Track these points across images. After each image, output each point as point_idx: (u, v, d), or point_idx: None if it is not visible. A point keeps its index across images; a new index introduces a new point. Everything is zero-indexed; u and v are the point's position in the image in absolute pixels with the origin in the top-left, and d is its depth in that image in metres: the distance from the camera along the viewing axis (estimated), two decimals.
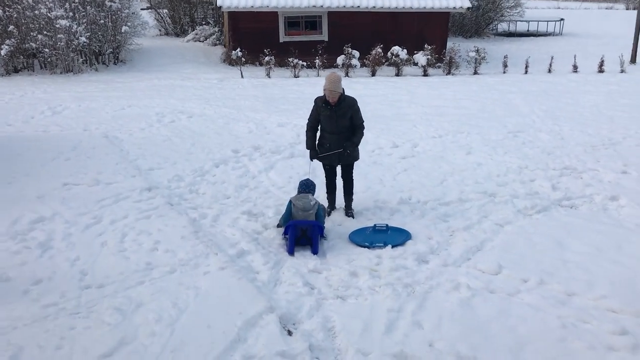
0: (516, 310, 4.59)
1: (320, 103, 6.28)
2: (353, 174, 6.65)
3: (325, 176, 6.73)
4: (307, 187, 6.10)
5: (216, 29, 24.24)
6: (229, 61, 19.31)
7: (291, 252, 5.62)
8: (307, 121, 6.49)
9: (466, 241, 5.89)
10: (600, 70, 18.57)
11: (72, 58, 17.38)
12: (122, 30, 18.87)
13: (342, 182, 6.64)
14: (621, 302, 4.65)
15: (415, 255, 5.55)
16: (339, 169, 6.69)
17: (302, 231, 5.70)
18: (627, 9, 54.93)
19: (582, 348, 4.11)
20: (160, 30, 26.35)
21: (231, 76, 17.47)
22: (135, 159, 8.74)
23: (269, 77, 17.39)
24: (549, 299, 4.75)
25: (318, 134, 6.48)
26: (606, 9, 57.73)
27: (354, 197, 6.71)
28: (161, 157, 8.80)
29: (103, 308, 4.61)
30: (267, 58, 17.49)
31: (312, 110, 6.38)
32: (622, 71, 18.60)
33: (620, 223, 6.37)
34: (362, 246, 5.79)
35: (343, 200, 6.72)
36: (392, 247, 5.73)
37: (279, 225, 6.17)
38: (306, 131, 6.46)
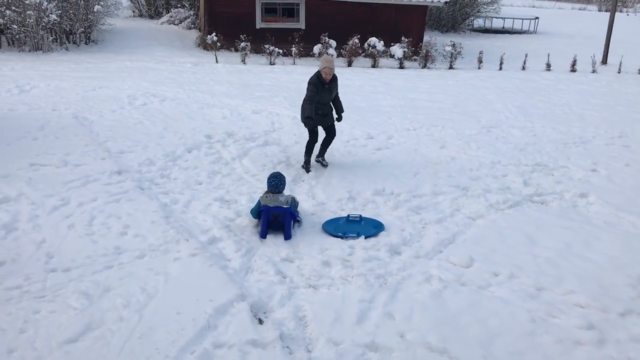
0: (486, 303, 4.62)
1: (319, 82, 7.45)
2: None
3: (311, 138, 7.80)
4: (276, 187, 5.87)
5: (191, 12, 23.88)
6: (204, 46, 19.05)
7: (263, 235, 5.68)
8: (307, 98, 7.46)
9: (438, 234, 5.92)
10: (573, 70, 18.85)
11: (42, 36, 16.91)
12: (95, 10, 18.45)
13: (326, 137, 8.00)
14: (588, 297, 4.73)
15: (388, 246, 5.55)
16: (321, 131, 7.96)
17: (274, 217, 5.72)
18: (599, 10, 55.91)
19: (550, 342, 4.17)
20: (134, 11, 25.86)
21: (206, 61, 17.23)
22: (105, 141, 8.55)
23: (245, 63, 17.20)
24: (519, 293, 4.80)
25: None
26: (579, 9, 58.67)
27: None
28: (132, 141, 8.62)
29: (69, 292, 4.49)
30: (242, 44, 17.30)
31: (313, 90, 7.43)
32: (593, 71, 18.91)
33: (589, 220, 6.48)
34: (335, 236, 5.77)
35: (320, 153, 8.00)
36: (365, 237, 5.72)
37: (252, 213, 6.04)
38: (309, 104, 7.41)
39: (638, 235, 6.10)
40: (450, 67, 18.66)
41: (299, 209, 6.27)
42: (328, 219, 6.19)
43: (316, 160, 8.03)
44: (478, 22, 31.63)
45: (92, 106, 10.62)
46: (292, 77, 15.31)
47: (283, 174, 6.13)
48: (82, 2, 18.04)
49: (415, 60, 19.10)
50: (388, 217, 6.34)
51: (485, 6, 30.21)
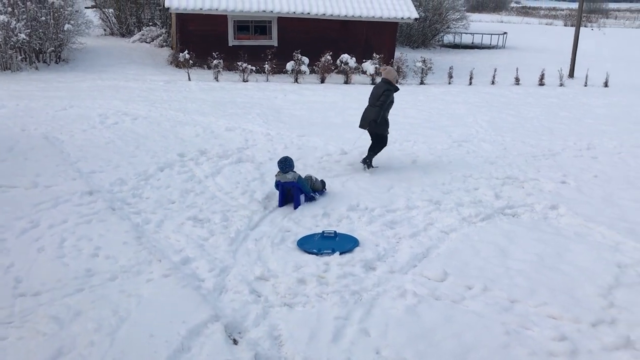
0: (461, 317, 4.65)
1: (393, 88, 8.52)
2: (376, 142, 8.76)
3: (385, 142, 8.86)
4: (282, 168, 7.10)
5: (163, 30, 23.81)
6: (176, 63, 18.99)
7: (280, 205, 7.07)
8: (385, 106, 8.39)
9: (412, 248, 5.95)
10: (541, 84, 19.26)
11: (10, 55, 16.67)
12: (65, 29, 18.26)
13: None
14: (560, 309, 4.79)
15: (363, 262, 5.56)
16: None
17: (287, 190, 7.04)
18: (565, 25, 57.30)
19: (525, 354, 4.20)
20: (105, 30, 25.66)
21: (178, 79, 17.17)
22: (76, 161, 8.43)
23: (217, 80, 17.18)
24: (493, 306, 4.84)
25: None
26: (546, 24, 60.04)
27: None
28: (103, 160, 8.53)
29: (38, 317, 4.39)
30: (215, 61, 17.30)
31: (389, 99, 8.40)
32: (561, 85, 19.35)
33: (560, 231, 6.58)
34: (310, 253, 5.76)
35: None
36: (340, 253, 5.72)
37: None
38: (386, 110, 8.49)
39: (607, 245, 6.21)
40: (421, 83, 18.90)
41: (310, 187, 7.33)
42: (303, 235, 6.18)
43: (364, 162, 8.66)
44: (448, 38, 32.16)
45: (63, 126, 10.48)
46: (265, 93, 15.35)
47: (290, 157, 7.32)
48: (51, 21, 17.86)
49: None
50: (363, 232, 6.36)
51: (454, 22, 30.76)
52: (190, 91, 15.20)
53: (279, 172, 7.15)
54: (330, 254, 5.69)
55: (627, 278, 5.42)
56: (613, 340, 4.34)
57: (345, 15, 19.72)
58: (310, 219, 6.69)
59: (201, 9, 18.50)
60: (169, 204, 6.97)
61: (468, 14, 34.89)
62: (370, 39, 20.36)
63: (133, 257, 5.48)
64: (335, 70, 18.41)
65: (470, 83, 18.93)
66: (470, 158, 9.59)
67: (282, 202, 7.09)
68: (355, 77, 18.66)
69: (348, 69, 18.23)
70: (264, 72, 18.03)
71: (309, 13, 19.39)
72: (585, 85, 19.50)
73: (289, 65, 18.03)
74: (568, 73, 21.43)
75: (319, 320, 4.52)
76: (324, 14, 19.51)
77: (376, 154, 8.76)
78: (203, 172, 8.20)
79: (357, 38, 20.27)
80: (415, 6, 21.80)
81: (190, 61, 17.64)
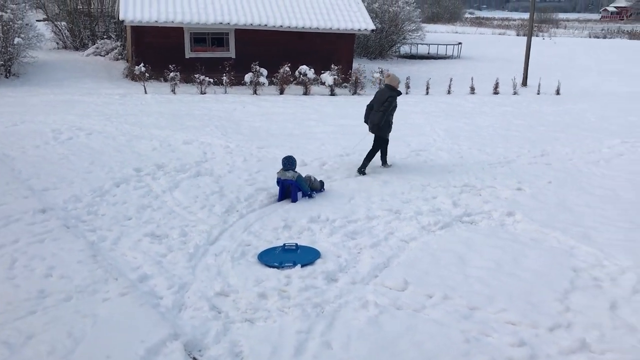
0: (422, 326, 4.67)
1: (397, 94, 9.21)
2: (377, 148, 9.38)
3: (387, 145, 9.58)
4: (285, 166, 7.82)
5: (118, 43, 23.45)
6: (132, 77, 18.71)
7: (279, 199, 7.74)
8: (389, 111, 9.09)
9: (373, 258, 5.96)
10: (496, 92, 19.70)
11: None
12: (15, 42, 17.79)
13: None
14: (519, 315, 4.86)
15: (325, 274, 5.54)
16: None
17: (286, 186, 7.72)
18: (517, 35, 58.91)
19: None
20: (58, 43, 25.10)
21: (134, 92, 16.90)
22: (28, 178, 8.17)
23: (174, 93, 16.99)
24: (453, 314, 4.88)
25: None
26: (499, 34, 61.60)
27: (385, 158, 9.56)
28: (57, 177, 8.29)
29: None
30: (172, 74, 17.10)
31: (393, 103, 9.07)
32: (514, 93, 19.83)
33: (516, 238, 6.70)
34: (271, 267, 5.71)
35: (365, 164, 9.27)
36: (302, 266, 5.69)
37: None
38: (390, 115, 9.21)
39: (562, 250, 6.35)
40: None
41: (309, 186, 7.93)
42: (263, 249, 6.13)
43: (361, 171, 9.13)
44: (404, 49, 32.63)
45: (14, 142, 10.16)
46: (224, 105, 15.24)
47: (294, 157, 7.98)
48: (1, 34, 17.37)
49: (345, 87, 19.44)
50: (324, 243, 6.35)
51: (410, 33, 31.24)
52: (146, 104, 14.97)
53: (281, 169, 7.84)
54: (291, 267, 5.66)
55: (582, 282, 5.54)
56: (569, 344, 4.44)
57: (303, 27, 19.82)
58: (270, 232, 6.64)
59: (157, 21, 18.31)
60: (126, 221, 6.82)
61: (423, 24, 35.44)
62: (329, 50, 20.49)
63: (88, 276, 5.32)
64: (294, 82, 18.44)
65: (427, 93, 19.22)
66: (428, 167, 9.71)
67: (281, 197, 7.78)
68: (314, 88, 18.73)
69: (307, 80, 18.28)
70: (222, 84, 17.92)
71: (266, 25, 19.41)
72: (538, 94, 20.04)
73: (248, 77, 17.98)
74: (521, 82, 22.01)
75: (281, 335, 4.47)
76: (282, 26, 19.56)
77: (385, 154, 9.56)
78: (160, 187, 8.06)
79: (315, 49, 20.37)
80: (371, 18, 22.11)
81: (147, 74, 17.41)
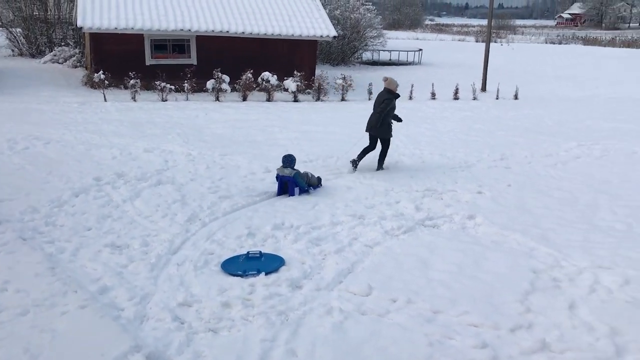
0: (386, 331, 4.69)
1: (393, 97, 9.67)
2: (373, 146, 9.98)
3: (388, 145, 10.06)
4: (284, 163, 8.42)
5: (77, 50, 23.02)
6: (91, 84, 18.37)
7: (277, 194, 8.36)
8: (386, 112, 9.54)
9: (338, 264, 5.97)
10: (456, 98, 20.04)
11: None
12: None
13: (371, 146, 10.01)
14: (481, 317, 4.93)
15: (289, 281, 5.52)
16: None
17: (285, 182, 8.33)
18: (477, 41, 60.15)
19: None
20: (13, 50, 24.49)
21: (93, 100, 16.58)
22: None
23: (135, 100, 16.74)
24: (416, 318, 4.92)
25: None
26: (459, 40, 62.80)
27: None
28: (13, 188, 8.05)
29: None
30: (132, 81, 16.85)
31: (390, 105, 9.56)
32: (474, 98, 20.21)
33: (478, 240, 6.81)
34: (235, 275, 5.65)
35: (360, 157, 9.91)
36: (266, 274, 5.65)
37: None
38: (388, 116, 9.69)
39: (522, 251, 6.48)
40: (343, 99, 19.20)
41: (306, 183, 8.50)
42: (227, 257, 6.07)
43: (354, 162, 9.78)
44: (366, 55, 32.95)
45: None
46: (186, 113, 15.09)
47: (294, 155, 8.61)
48: None
49: (309, 93, 19.49)
50: (288, 250, 6.32)
51: (372, 40, 31.59)
52: (106, 112, 14.70)
53: (280, 166, 8.44)
54: (255, 275, 5.62)
55: (542, 283, 5.66)
56: (530, 344, 4.52)
57: (265, 34, 19.81)
58: (234, 240, 6.58)
59: (116, 28, 18.05)
60: (85, 231, 6.67)
61: (385, 31, 35.91)
62: (291, 57, 20.53)
63: (46, 289, 5.18)
64: (257, 88, 18.38)
65: None
66: (391, 172, 9.79)
67: (279, 192, 8.41)
68: (277, 95, 18.71)
69: (270, 87, 18.25)
70: (184, 91, 17.74)
71: (227, 31, 19.33)
72: (497, 99, 20.47)
73: (210, 84, 17.84)
74: (480, 87, 22.43)
75: (245, 344, 4.43)
76: (243, 32, 19.51)
77: (384, 157, 9.96)
78: (121, 197, 7.91)
79: (278, 56, 20.37)
80: (333, 24, 22.24)
81: (106, 81, 17.11)
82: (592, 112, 17.82)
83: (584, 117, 16.56)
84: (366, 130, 9.90)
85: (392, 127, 9.94)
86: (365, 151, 9.92)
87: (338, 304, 5.09)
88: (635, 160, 11.14)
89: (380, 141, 9.90)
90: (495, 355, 4.39)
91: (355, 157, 9.86)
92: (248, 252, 6.10)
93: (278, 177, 8.43)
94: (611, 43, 63.70)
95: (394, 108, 9.76)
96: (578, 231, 7.12)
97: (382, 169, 9.94)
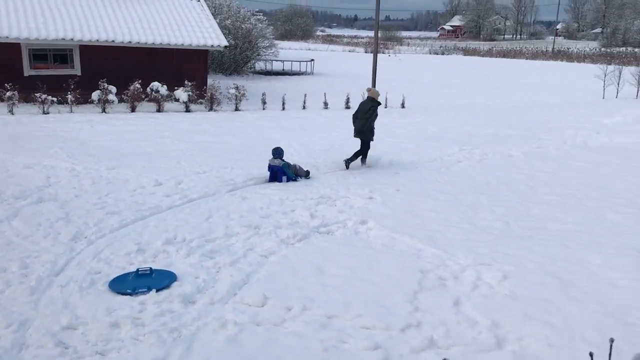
0: (282, 340, 4.70)
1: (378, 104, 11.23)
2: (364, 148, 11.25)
3: (368, 148, 11.35)
4: (274, 155, 9.77)
5: None
6: None
7: (269, 181, 9.72)
8: (374, 119, 11.03)
9: (232, 276, 5.91)
10: (347, 107, 20.52)
11: None
12: None
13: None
14: (374, 319, 5.07)
15: (182, 297, 5.38)
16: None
17: (274, 172, 9.70)
18: (366, 52, 62.19)
19: None
20: None
21: None
22: None
23: (12, 113, 15.66)
24: (312, 324, 4.97)
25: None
26: (349, 51, 64.61)
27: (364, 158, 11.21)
28: None
29: None
30: (9, 93, 15.76)
31: (375, 113, 11.02)
32: None
33: (370, 244, 7.01)
34: (124, 294, 5.43)
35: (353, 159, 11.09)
36: (157, 291, 5.48)
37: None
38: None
39: (411, 253, 6.75)
40: (236, 109, 19.08)
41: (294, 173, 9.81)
42: (115, 275, 5.82)
43: (347, 162, 10.94)
44: (259, 65, 33.02)
45: None
46: (69, 125, 14.33)
47: (282, 148, 9.94)
48: None
49: (201, 103, 19.19)
50: (181, 265, 6.17)
51: (264, 50, 31.70)
52: None
53: (272, 157, 9.78)
54: (146, 293, 5.43)
55: (429, 282, 5.92)
56: (419, 342, 4.70)
57: (153, 43, 19.31)
58: (123, 257, 6.32)
59: None
60: None
61: (277, 41, 36.19)
62: (182, 67, 20.14)
63: None
64: (147, 99, 17.84)
65: (284, 108, 19.55)
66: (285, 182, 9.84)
67: (271, 179, 9.79)
68: (168, 105, 18.26)
69: (160, 97, 17.77)
70: (67, 103, 16.84)
71: (113, 41, 18.63)
72: (385, 107, 21.19)
73: (95, 95, 17.09)
74: None
75: None
76: (130, 42, 18.88)
77: (365, 156, 11.21)
78: None
79: (167, 66, 19.91)
80: (224, 34, 22.11)
81: None
82: (472, 118, 18.94)
83: (464, 123, 17.57)
84: (355, 136, 11.20)
85: (375, 131, 11.21)
86: (356, 154, 11.11)
87: (233, 317, 5.03)
88: (511, 163, 11.98)
89: (362, 142, 11.11)
90: (387, 355, 4.53)
91: (348, 158, 11.04)
92: (138, 269, 5.88)
93: (269, 167, 9.78)
94: (489, 53, 68.38)
95: (377, 115, 11.11)
96: (461, 231, 7.53)
97: (366, 165, 11.19)
